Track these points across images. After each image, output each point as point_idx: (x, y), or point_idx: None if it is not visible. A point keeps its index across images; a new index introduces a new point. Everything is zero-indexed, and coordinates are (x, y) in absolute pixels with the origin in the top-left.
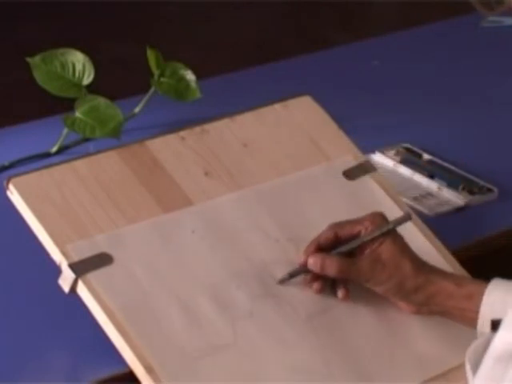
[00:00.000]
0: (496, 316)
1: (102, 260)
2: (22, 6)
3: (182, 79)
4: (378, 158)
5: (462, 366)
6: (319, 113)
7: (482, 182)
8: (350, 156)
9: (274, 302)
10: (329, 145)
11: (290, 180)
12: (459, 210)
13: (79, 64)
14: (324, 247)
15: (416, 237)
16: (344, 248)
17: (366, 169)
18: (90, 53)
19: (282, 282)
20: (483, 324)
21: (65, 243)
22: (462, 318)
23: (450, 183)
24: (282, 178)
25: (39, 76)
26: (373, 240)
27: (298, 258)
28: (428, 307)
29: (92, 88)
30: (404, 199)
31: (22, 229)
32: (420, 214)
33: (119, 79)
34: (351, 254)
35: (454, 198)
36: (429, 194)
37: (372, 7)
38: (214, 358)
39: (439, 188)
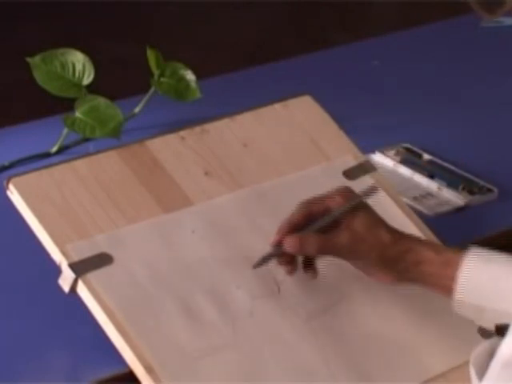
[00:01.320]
0: (471, 285)
1: (101, 260)
2: (21, 5)
3: (182, 79)
4: (378, 158)
5: (462, 366)
6: (319, 113)
7: (482, 182)
8: (350, 156)
9: (274, 302)
10: (329, 145)
11: (289, 180)
12: (459, 209)
13: (79, 64)
14: (296, 226)
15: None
16: (318, 224)
17: (366, 169)
18: (90, 53)
19: (257, 266)
20: (458, 292)
21: (65, 243)
22: (439, 285)
23: (450, 183)
24: (281, 177)
25: (39, 76)
26: (345, 214)
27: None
28: (407, 275)
29: (92, 88)
30: (404, 199)
31: (22, 229)
32: (420, 214)
33: (119, 79)
34: (325, 231)
35: (454, 198)
36: (429, 194)
37: (372, 7)
38: (214, 358)
39: (439, 188)
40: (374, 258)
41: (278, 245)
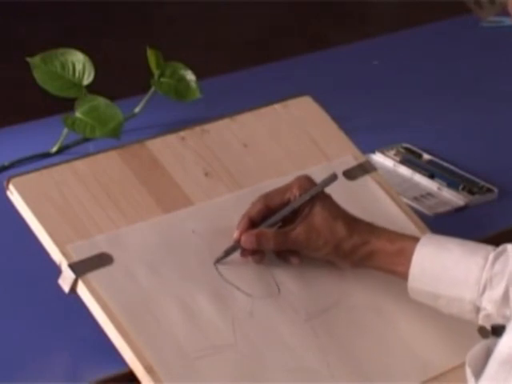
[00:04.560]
0: (424, 273)
1: (101, 260)
2: (22, 5)
3: (182, 79)
4: (378, 158)
5: (462, 366)
6: (319, 113)
7: (482, 182)
8: (350, 156)
9: (274, 302)
10: (329, 145)
11: (289, 180)
12: (459, 209)
13: (79, 64)
14: (256, 220)
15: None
16: (275, 218)
17: (365, 169)
18: (90, 53)
19: (219, 260)
20: (412, 279)
21: (65, 243)
22: (395, 272)
23: (450, 183)
24: (282, 177)
25: (39, 76)
26: (304, 205)
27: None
28: (364, 263)
29: (92, 88)
30: (404, 199)
31: (22, 229)
32: (420, 214)
33: (119, 79)
34: (285, 222)
35: (454, 197)
36: (429, 194)
37: (372, 7)
38: (214, 358)
39: (439, 188)
40: (330, 251)
41: (238, 240)
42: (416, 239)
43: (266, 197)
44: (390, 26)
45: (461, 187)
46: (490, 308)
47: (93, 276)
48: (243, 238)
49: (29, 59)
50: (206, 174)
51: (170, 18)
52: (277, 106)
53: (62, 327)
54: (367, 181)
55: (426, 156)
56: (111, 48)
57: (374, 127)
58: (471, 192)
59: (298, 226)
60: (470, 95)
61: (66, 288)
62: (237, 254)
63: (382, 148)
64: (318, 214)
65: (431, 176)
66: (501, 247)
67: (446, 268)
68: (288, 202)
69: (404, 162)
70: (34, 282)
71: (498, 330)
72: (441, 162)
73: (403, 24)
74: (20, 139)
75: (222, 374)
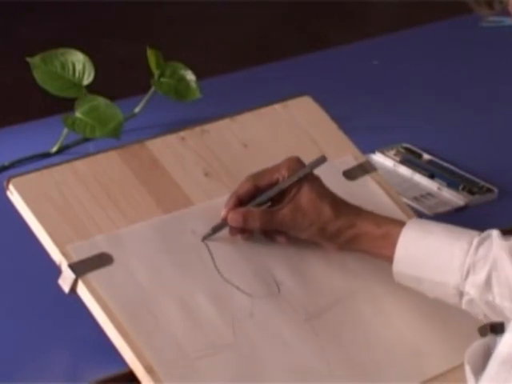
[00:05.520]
0: (409, 257)
1: (102, 260)
2: (21, 5)
3: (182, 79)
4: (378, 158)
5: (461, 366)
6: (319, 113)
7: (482, 182)
8: (350, 156)
9: (274, 302)
10: (329, 145)
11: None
12: (459, 209)
13: (79, 64)
14: (244, 199)
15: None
16: (262, 198)
17: (365, 169)
18: (90, 53)
19: (206, 237)
20: (396, 263)
21: (65, 243)
22: (380, 255)
23: (450, 183)
24: None
25: (39, 76)
26: (291, 186)
27: (295, 256)
28: (349, 246)
29: (92, 88)
30: (404, 199)
31: (22, 229)
32: (420, 214)
33: (119, 79)
34: (273, 202)
35: (454, 197)
36: (429, 194)
37: (372, 7)
38: (214, 358)
39: (439, 188)
40: (316, 232)
41: (226, 218)
42: (402, 223)
43: (255, 176)
44: (390, 25)
45: (461, 187)
46: (473, 293)
47: (93, 276)
48: (230, 216)
49: (29, 59)
50: (206, 174)
51: (170, 17)
52: (277, 106)
53: (62, 327)
54: (367, 181)
55: (426, 156)
56: (111, 48)
57: (374, 127)
58: (471, 192)
59: (285, 206)
60: (470, 95)
61: (66, 288)
62: (236, 254)
63: (382, 148)
64: (305, 195)
65: (431, 176)
66: (485, 232)
67: (430, 252)
68: (276, 183)
69: (404, 161)
70: (34, 282)
71: (496, 328)
72: (441, 162)
73: (403, 24)
74: (20, 139)
75: (222, 374)
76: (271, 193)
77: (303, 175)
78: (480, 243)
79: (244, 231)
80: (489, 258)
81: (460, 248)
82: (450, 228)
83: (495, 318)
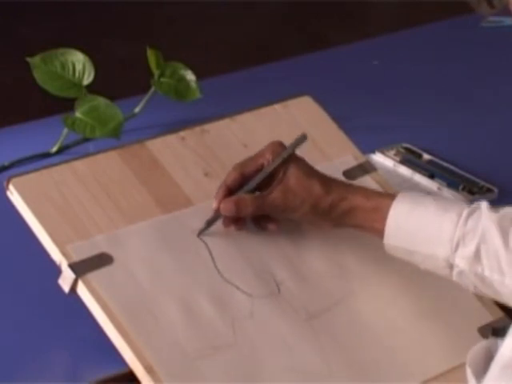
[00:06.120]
0: (399, 229)
1: (102, 260)
2: (21, 5)
3: (182, 79)
4: (378, 158)
5: (461, 366)
6: (319, 113)
7: (482, 182)
8: (350, 156)
9: (274, 302)
10: (329, 145)
11: None
12: None
13: (79, 64)
14: (233, 189)
15: None
16: (251, 184)
17: (365, 169)
18: (90, 53)
19: (201, 232)
20: (387, 236)
21: (65, 243)
22: (372, 229)
23: (450, 183)
24: None
25: (39, 76)
26: (277, 169)
27: (295, 256)
28: (342, 221)
29: (92, 88)
30: None
31: (22, 229)
32: None
33: (119, 79)
34: (261, 188)
35: (454, 197)
36: (429, 194)
37: (372, 7)
38: (214, 358)
39: (439, 188)
40: (308, 210)
41: (218, 209)
42: (392, 196)
43: (241, 165)
44: (390, 25)
45: (461, 187)
46: (462, 265)
47: (93, 276)
48: (222, 206)
49: (29, 59)
50: (206, 174)
51: (170, 17)
52: (277, 106)
53: (62, 327)
54: (367, 181)
55: (426, 156)
56: (111, 48)
57: (374, 127)
58: (471, 192)
59: (274, 189)
60: (470, 95)
61: (66, 288)
62: (236, 254)
63: (382, 148)
64: (293, 175)
65: (431, 176)
66: (475, 204)
67: (420, 225)
68: (262, 168)
69: (404, 161)
70: (34, 282)
71: (498, 331)
72: (441, 162)
73: (403, 24)
74: (20, 139)
75: (222, 374)
76: (259, 178)
77: (287, 156)
78: (469, 215)
79: (237, 221)
80: (478, 231)
81: (449, 220)
82: (440, 200)
83: (485, 290)
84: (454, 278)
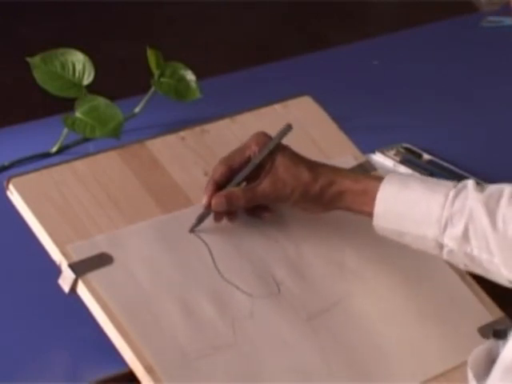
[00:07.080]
0: (388, 211)
1: (102, 260)
2: (21, 5)
3: (182, 79)
4: (378, 158)
5: (461, 366)
6: (319, 113)
7: (481, 182)
8: (349, 156)
9: (274, 302)
10: (329, 145)
11: None
12: None
13: (79, 64)
14: (221, 183)
15: None
16: (239, 177)
17: (366, 169)
18: (90, 53)
19: (193, 228)
20: (376, 218)
21: (65, 243)
22: (362, 211)
23: None
24: None
25: (39, 76)
26: (265, 160)
27: (295, 256)
28: (333, 205)
29: (92, 88)
30: None
31: (22, 229)
32: None
33: (119, 79)
34: (251, 179)
35: None
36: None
37: (372, 7)
38: (214, 358)
39: None
40: (299, 198)
41: (208, 205)
42: (380, 178)
43: (227, 158)
44: (390, 25)
45: None
46: (452, 245)
47: (93, 276)
48: (214, 201)
49: (29, 59)
50: (206, 174)
51: (170, 18)
52: (277, 106)
53: (62, 327)
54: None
55: (426, 156)
56: (111, 48)
57: (374, 127)
58: None
59: (264, 179)
60: (470, 95)
61: (66, 288)
62: (236, 254)
63: (382, 148)
64: (280, 165)
65: (431, 176)
66: (461, 183)
67: (408, 206)
68: (249, 160)
69: (404, 162)
70: (34, 281)
71: (499, 333)
72: (441, 162)
73: (403, 24)
74: (20, 139)
75: (222, 374)
76: (246, 170)
77: (273, 146)
78: (456, 195)
79: (229, 214)
80: (465, 211)
81: (436, 201)
82: (427, 180)
83: (475, 269)
84: (445, 256)
